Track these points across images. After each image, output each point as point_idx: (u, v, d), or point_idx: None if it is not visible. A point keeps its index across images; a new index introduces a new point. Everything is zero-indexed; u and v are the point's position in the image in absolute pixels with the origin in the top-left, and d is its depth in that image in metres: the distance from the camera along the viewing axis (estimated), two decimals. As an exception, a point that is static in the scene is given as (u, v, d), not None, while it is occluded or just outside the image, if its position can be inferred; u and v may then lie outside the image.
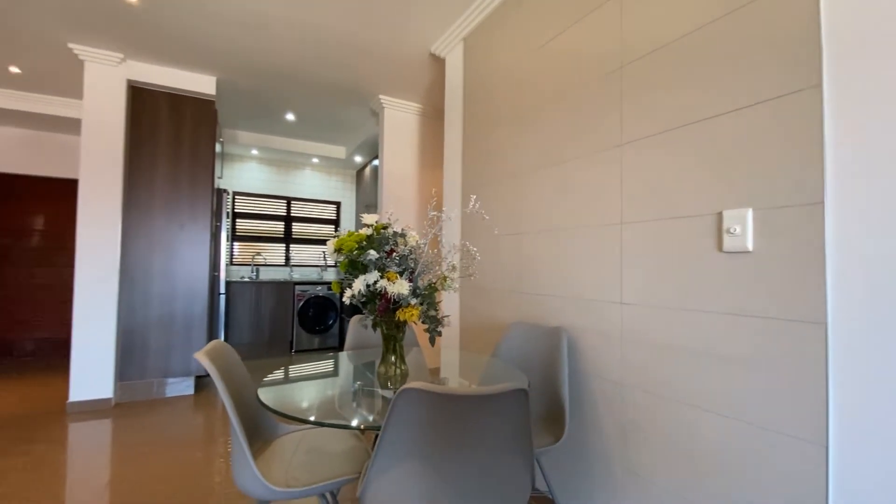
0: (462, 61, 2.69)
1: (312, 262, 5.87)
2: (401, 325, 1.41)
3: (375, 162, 5.02)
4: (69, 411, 2.94)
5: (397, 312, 1.33)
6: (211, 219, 3.53)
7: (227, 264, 5.20)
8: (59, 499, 1.87)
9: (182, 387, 3.39)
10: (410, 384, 0.88)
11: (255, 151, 5.26)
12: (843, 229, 0.96)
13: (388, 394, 1.28)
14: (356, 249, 1.37)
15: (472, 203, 1.53)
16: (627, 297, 1.49)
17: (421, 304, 1.35)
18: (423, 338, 2.51)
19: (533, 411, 1.73)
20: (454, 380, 1.52)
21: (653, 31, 1.44)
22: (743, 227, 1.14)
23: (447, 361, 1.77)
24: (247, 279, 4.90)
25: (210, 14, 2.60)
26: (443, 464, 0.94)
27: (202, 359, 1.19)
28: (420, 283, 1.39)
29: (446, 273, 1.44)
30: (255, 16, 2.60)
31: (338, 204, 6.06)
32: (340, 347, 5.20)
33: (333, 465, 1.30)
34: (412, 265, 1.39)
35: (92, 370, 3.02)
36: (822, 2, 1.01)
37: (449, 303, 2.67)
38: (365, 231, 1.43)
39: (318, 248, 5.91)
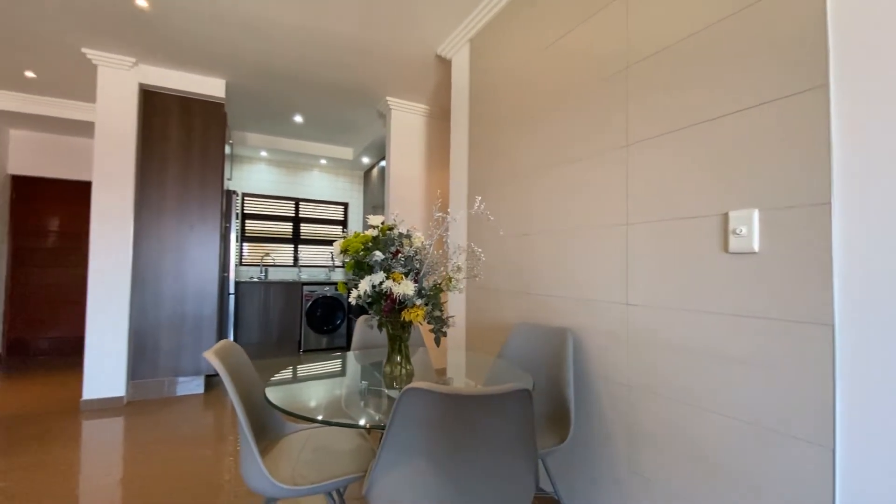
0: (468, 62, 2.70)
1: (320, 262, 5.91)
2: (406, 326, 1.42)
3: (383, 163, 5.04)
4: (83, 409, 3.00)
5: (402, 313, 1.34)
6: (220, 220, 3.58)
7: (236, 265, 5.27)
8: (73, 495, 1.91)
9: (192, 385, 3.44)
10: (414, 384, 0.89)
11: (263, 153, 5.32)
12: (850, 230, 0.96)
13: (394, 393, 1.29)
14: (362, 250, 1.38)
15: (477, 204, 1.54)
16: (633, 297, 1.49)
17: (426, 304, 1.36)
18: (429, 338, 2.52)
19: (538, 412, 1.73)
20: (460, 380, 1.53)
21: (658, 31, 1.43)
22: (749, 228, 1.14)
23: (453, 362, 1.78)
24: (256, 280, 4.95)
25: (220, 19, 2.63)
26: (447, 463, 0.95)
27: (211, 358, 1.21)
28: (425, 284, 1.40)
29: (451, 274, 1.45)
30: (263, 20, 2.64)
31: (345, 205, 6.10)
32: (348, 347, 5.23)
33: (340, 463, 1.32)
34: (417, 266, 1.40)
35: (105, 369, 3.08)
36: (829, 1, 1.00)
37: (455, 303, 2.68)
38: (371, 232, 1.44)
39: (326, 249, 5.96)
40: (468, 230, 2.60)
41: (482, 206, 2.36)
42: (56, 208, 4.71)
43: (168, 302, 3.36)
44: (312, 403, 1.23)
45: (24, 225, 4.59)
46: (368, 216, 1.48)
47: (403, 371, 1.45)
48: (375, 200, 5.33)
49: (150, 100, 3.34)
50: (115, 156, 3.13)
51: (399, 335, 1.44)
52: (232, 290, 4.56)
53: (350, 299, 1.36)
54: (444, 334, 1.40)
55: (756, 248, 1.13)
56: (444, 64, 3.16)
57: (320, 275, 5.87)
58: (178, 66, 3.29)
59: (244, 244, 5.46)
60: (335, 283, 5.24)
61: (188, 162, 3.44)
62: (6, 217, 4.49)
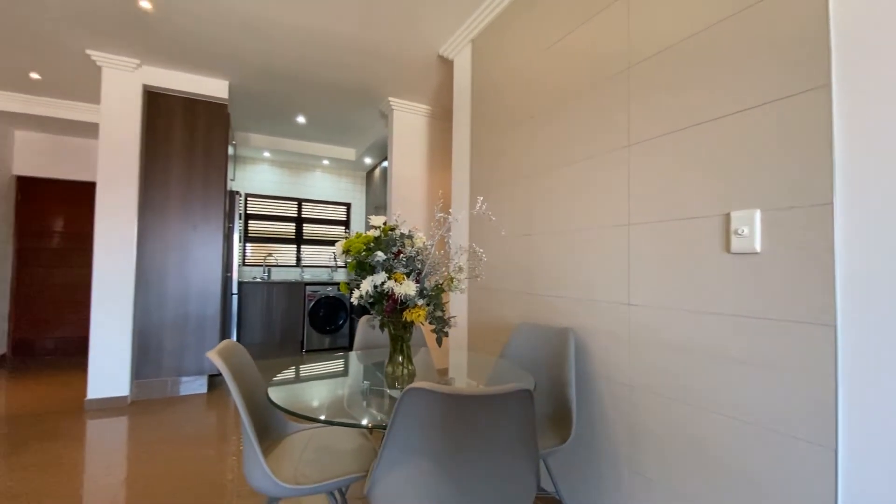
0: (470, 63, 2.70)
1: (323, 262, 5.93)
2: (408, 326, 1.43)
3: (385, 164, 5.05)
4: (87, 408, 3.02)
5: (404, 313, 1.35)
6: (224, 220, 3.59)
7: (239, 265, 5.29)
8: (77, 494, 1.92)
9: (195, 385, 3.46)
10: (416, 384, 0.90)
11: (266, 154, 5.33)
12: (852, 230, 0.95)
13: (396, 393, 1.29)
14: (364, 251, 1.39)
15: (479, 204, 1.54)
16: (635, 298, 1.49)
17: (428, 304, 1.37)
18: (431, 338, 2.52)
19: (540, 412, 1.73)
20: (461, 380, 1.53)
21: (660, 31, 1.43)
22: (751, 229, 1.14)
23: (455, 362, 1.79)
24: (258, 280, 4.97)
25: (223, 20, 2.65)
26: (448, 463, 0.95)
27: (214, 358, 1.22)
28: (427, 284, 1.40)
29: (453, 274, 1.45)
30: (263, 20, 2.65)
31: (348, 205, 6.11)
32: (351, 347, 5.25)
33: (342, 463, 1.33)
34: (419, 266, 1.40)
35: (109, 369, 3.10)
36: (832, 2, 1.00)
37: (457, 303, 2.68)
38: (373, 233, 1.45)
39: (329, 249, 5.97)
40: (470, 230, 2.60)
41: (484, 207, 2.36)
42: (60, 209, 4.73)
43: (171, 302, 3.38)
44: (315, 403, 1.24)
45: (28, 225, 4.62)
46: (370, 216, 1.49)
47: (405, 371, 1.46)
48: (378, 201, 5.34)
49: (154, 101, 3.36)
50: (119, 157, 3.15)
51: (401, 335, 1.45)
52: (235, 290, 4.58)
53: (352, 299, 1.37)
54: (446, 334, 1.41)
55: (758, 248, 1.12)
56: (446, 64, 3.17)
57: (323, 275, 5.88)
58: (181, 67, 3.31)
59: (247, 244, 5.48)
60: (338, 284, 5.26)
61: (191, 163, 3.46)
62: (11, 218, 4.53)
